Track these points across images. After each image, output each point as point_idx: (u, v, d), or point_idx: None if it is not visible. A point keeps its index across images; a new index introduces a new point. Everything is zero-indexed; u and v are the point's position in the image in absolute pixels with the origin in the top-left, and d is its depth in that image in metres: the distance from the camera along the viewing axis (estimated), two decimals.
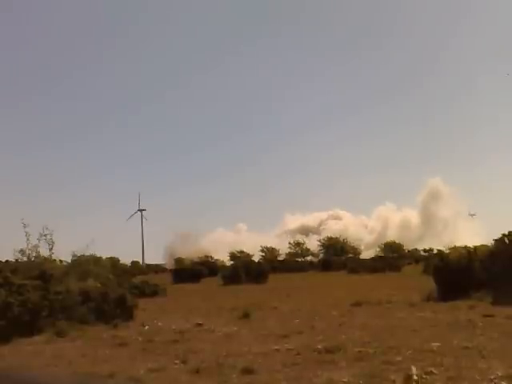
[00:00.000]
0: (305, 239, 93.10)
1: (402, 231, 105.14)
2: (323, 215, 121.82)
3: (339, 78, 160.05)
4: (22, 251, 14.87)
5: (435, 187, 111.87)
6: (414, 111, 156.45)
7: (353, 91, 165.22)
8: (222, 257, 78.90)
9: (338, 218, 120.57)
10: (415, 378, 6.02)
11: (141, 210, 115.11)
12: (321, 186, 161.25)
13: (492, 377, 6.03)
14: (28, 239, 14.71)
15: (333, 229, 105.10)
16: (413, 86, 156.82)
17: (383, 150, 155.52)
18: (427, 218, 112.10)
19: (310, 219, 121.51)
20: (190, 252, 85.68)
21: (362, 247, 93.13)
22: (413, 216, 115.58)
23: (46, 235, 14.73)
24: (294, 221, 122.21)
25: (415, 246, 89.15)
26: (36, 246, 14.77)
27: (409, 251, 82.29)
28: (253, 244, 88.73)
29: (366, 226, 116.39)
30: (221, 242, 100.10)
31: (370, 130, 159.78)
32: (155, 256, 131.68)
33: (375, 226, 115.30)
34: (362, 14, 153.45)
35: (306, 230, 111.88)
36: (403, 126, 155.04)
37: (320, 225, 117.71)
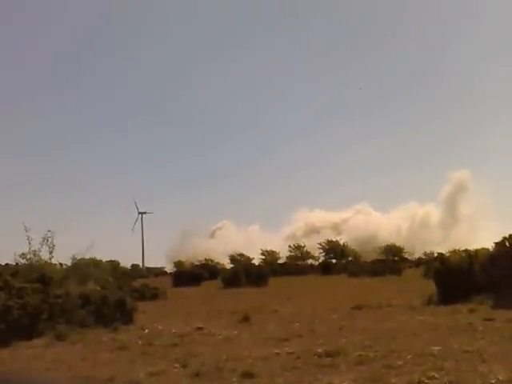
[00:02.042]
0: (335, 237, 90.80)
1: (426, 232, 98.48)
2: (347, 213, 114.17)
3: (350, 73, 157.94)
4: (23, 255, 14.88)
5: (461, 181, 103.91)
6: (423, 109, 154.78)
7: (358, 90, 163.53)
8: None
9: (364, 215, 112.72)
10: None
11: (141, 213, 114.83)
12: (339, 184, 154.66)
13: (493, 381, 6.02)
14: (30, 243, 14.74)
15: (360, 227, 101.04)
16: (419, 84, 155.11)
17: (401, 148, 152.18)
18: (452, 217, 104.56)
19: (334, 216, 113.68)
20: (195, 255, 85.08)
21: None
22: (436, 215, 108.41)
23: (47, 238, 14.76)
24: (314, 218, 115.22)
25: (439, 247, 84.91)
26: (37, 250, 14.79)
27: (418, 258, 78.14)
28: (266, 244, 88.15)
29: (396, 227, 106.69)
30: (233, 243, 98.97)
31: (384, 128, 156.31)
32: (159, 259, 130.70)
33: (402, 226, 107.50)
34: (364, 13, 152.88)
35: (329, 228, 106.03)
36: (420, 123, 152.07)
37: (344, 222, 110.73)
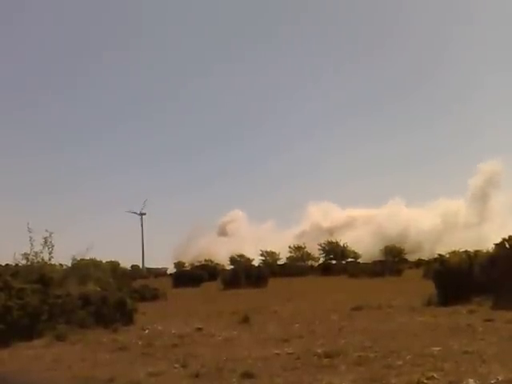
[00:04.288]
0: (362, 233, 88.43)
1: (457, 231, 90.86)
2: (374, 210, 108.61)
3: (368, 66, 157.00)
4: (25, 254, 14.87)
5: (492, 173, 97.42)
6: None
7: (373, 87, 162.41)
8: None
9: (393, 212, 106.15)
10: None
11: (141, 214, 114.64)
12: (362, 181, 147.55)
13: (492, 381, 6.02)
14: (32, 244, 14.74)
15: (388, 225, 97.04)
16: (436, 76, 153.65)
17: (428, 141, 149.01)
18: (482, 214, 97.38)
19: (360, 213, 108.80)
20: (204, 254, 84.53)
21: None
22: (466, 212, 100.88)
23: (46, 238, 14.77)
24: (335, 215, 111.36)
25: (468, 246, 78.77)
26: (39, 252, 14.78)
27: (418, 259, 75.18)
28: (282, 241, 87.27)
29: (426, 225, 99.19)
30: (245, 241, 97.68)
31: (408, 122, 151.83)
32: (162, 259, 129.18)
33: (431, 224, 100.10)
34: (367, 13, 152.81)
35: (353, 226, 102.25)
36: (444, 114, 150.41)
37: (371, 219, 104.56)
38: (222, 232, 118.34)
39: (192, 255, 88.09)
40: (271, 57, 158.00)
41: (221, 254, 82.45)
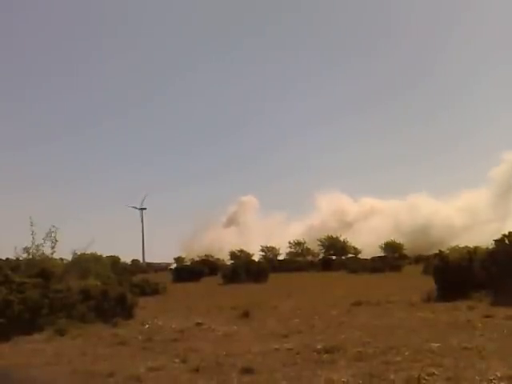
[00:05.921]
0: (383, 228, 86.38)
1: (481, 224, 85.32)
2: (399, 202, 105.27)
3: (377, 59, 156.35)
4: (26, 248, 14.90)
5: None
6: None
7: (376, 81, 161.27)
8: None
9: (413, 205, 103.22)
10: None
11: (142, 209, 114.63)
12: (383, 172, 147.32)
13: (491, 377, 6.03)
14: (33, 238, 14.77)
15: (408, 218, 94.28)
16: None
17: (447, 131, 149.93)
18: (506, 205, 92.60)
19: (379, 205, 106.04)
20: (211, 246, 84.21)
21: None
22: (491, 204, 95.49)
23: (51, 233, 14.79)
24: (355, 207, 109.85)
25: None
26: (40, 245, 14.81)
27: (418, 255, 69.21)
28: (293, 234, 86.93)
29: (449, 218, 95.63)
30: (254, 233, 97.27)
31: (428, 113, 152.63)
32: (165, 254, 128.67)
33: (455, 217, 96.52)
34: (363, 12, 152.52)
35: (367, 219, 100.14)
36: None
37: (388, 211, 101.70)
38: (231, 222, 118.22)
39: (200, 248, 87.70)
40: (288, 46, 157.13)
41: (229, 247, 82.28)
